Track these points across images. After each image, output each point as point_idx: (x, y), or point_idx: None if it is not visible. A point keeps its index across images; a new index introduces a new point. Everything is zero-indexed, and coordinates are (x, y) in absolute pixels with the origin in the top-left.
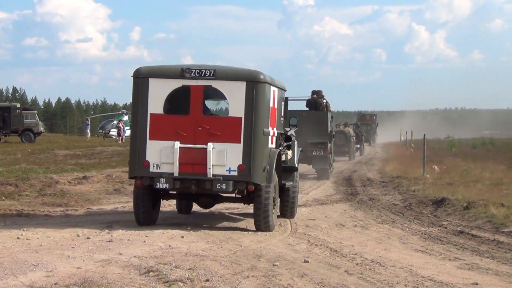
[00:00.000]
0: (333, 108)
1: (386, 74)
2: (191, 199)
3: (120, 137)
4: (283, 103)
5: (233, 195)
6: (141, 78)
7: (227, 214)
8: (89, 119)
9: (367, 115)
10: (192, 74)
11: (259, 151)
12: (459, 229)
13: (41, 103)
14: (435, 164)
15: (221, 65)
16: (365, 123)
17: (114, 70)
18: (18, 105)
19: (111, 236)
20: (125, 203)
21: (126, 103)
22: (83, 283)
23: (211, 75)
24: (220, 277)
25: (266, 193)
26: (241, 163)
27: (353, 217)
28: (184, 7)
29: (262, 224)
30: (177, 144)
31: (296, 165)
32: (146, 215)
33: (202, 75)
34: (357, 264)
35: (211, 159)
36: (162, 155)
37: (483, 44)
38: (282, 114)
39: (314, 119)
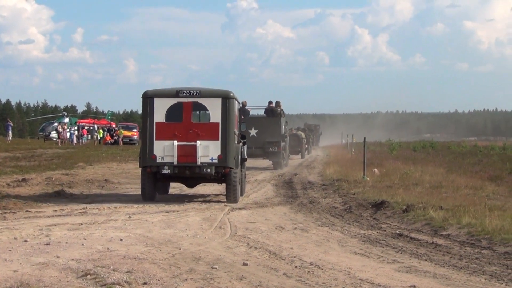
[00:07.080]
0: None
1: (329, 77)
2: (181, 181)
3: (60, 140)
4: (239, 111)
5: (211, 177)
6: (148, 98)
7: (166, 217)
8: (9, 119)
9: (312, 125)
10: (184, 94)
11: (231, 145)
12: (398, 232)
13: None
14: (375, 167)
15: (204, 87)
16: (309, 130)
17: (56, 72)
18: None
19: (49, 239)
20: (65, 205)
21: (67, 105)
22: (20, 286)
23: (197, 94)
24: (158, 280)
25: (234, 173)
26: (219, 153)
27: (293, 220)
28: (126, 9)
29: (231, 197)
30: (175, 142)
31: (246, 157)
32: (150, 193)
33: (191, 94)
34: (296, 267)
35: (199, 152)
36: (165, 150)
37: (425, 48)
38: (238, 120)
39: (271, 123)
